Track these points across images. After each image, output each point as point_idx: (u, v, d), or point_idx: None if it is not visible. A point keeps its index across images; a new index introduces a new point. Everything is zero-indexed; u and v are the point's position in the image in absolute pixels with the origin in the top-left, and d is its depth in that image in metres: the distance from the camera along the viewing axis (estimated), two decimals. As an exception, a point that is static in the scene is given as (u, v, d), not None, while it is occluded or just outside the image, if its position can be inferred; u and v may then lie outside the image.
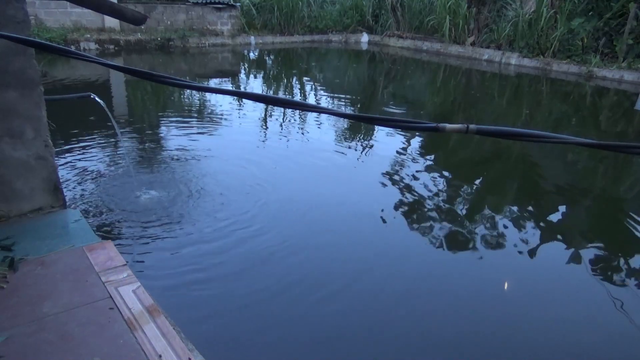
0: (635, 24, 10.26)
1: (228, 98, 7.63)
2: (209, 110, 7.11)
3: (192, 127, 5.96)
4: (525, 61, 11.72)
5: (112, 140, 5.15)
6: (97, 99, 3.33)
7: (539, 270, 3.23)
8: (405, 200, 4.12)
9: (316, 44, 15.41)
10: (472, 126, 1.34)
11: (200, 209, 3.63)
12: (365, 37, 16.20)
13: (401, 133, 6.06)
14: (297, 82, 10.30)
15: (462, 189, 4.49)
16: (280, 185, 4.25)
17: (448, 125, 1.36)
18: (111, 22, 12.15)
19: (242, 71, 11.05)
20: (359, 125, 6.32)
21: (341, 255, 3.25)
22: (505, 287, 2.99)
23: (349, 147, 5.50)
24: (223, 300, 2.69)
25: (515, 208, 4.10)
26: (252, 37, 14.38)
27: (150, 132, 5.79)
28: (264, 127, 6.28)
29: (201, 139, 5.43)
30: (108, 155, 4.70)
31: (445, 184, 4.55)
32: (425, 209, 3.98)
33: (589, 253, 3.42)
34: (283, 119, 6.63)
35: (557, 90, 9.72)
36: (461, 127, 1.35)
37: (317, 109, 1.61)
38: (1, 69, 2.23)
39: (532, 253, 3.39)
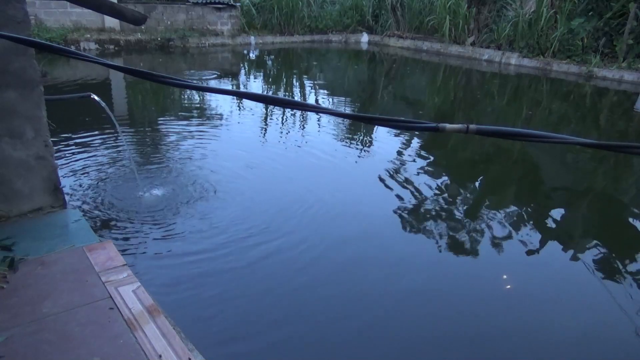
0: (635, 24, 10.26)
1: (228, 98, 7.63)
2: (209, 110, 7.10)
3: (192, 126, 5.96)
4: (525, 61, 11.72)
5: (112, 140, 5.15)
6: (97, 98, 3.33)
7: (539, 270, 3.23)
8: (405, 200, 4.12)
9: (316, 44, 15.41)
10: (472, 126, 1.34)
11: (201, 209, 3.63)
12: (365, 37, 16.20)
13: (401, 133, 6.06)
14: (297, 82, 10.30)
15: (463, 189, 4.49)
16: (281, 185, 4.26)
17: (448, 125, 1.37)
18: (111, 22, 12.15)
19: (242, 71, 11.05)
20: (359, 125, 6.32)
21: (342, 255, 3.25)
22: (507, 287, 2.99)
23: (349, 147, 5.50)
24: (223, 300, 2.69)
25: (515, 208, 4.10)
26: (252, 37, 14.39)
27: (150, 131, 5.79)
28: (264, 127, 6.28)
29: (201, 138, 5.43)
30: (108, 155, 4.70)
31: (445, 184, 4.55)
32: (426, 209, 3.98)
33: (589, 253, 3.42)
34: (283, 119, 6.63)
35: (557, 90, 9.72)
36: (461, 127, 1.35)
37: (317, 109, 1.61)
38: (1, 69, 2.23)
39: (532, 253, 3.40)
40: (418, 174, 4.72)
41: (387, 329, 2.57)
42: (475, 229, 3.67)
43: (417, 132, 5.98)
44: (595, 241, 3.62)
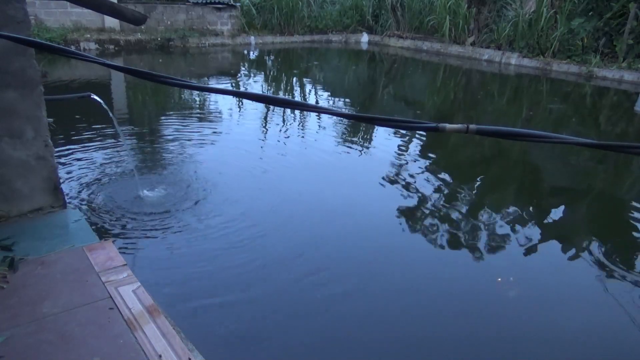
0: (635, 24, 10.26)
1: (228, 98, 7.63)
2: (209, 110, 7.11)
3: (192, 126, 5.96)
4: (525, 61, 11.72)
5: (112, 140, 5.15)
6: (96, 98, 3.33)
7: (539, 270, 3.23)
8: (406, 200, 4.12)
9: (316, 44, 15.41)
10: (472, 126, 1.34)
11: (201, 209, 3.62)
12: (365, 37, 16.20)
13: (401, 133, 6.06)
14: (297, 82, 10.30)
15: (463, 189, 4.49)
16: (281, 185, 4.25)
17: (448, 125, 1.37)
18: (111, 22, 12.15)
19: (242, 71, 11.05)
20: (359, 125, 6.32)
21: (343, 255, 3.25)
22: (507, 287, 2.99)
23: (349, 147, 5.50)
24: (223, 300, 2.69)
25: (515, 208, 4.10)
26: (252, 37, 14.38)
27: (150, 132, 5.79)
28: (264, 127, 6.28)
29: (201, 138, 5.43)
30: (108, 155, 4.70)
31: (445, 184, 4.55)
32: (426, 209, 3.98)
33: (589, 253, 3.41)
34: (283, 119, 6.63)
35: (557, 91, 9.72)
36: (461, 127, 1.35)
37: (317, 109, 1.61)
38: (1, 69, 2.23)
39: (532, 253, 3.39)
40: (418, 174, 4.72)
41: (388, 329, 2.57)
42: (476, 229, 3.67)
43: (417, 132, 5.97)
44: (595, 241, 3.62)
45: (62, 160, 4.47)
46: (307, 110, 5.98)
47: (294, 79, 10.61)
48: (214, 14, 13.71)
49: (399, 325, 2.61)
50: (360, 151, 5.42)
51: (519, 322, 2.68)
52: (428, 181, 4.55)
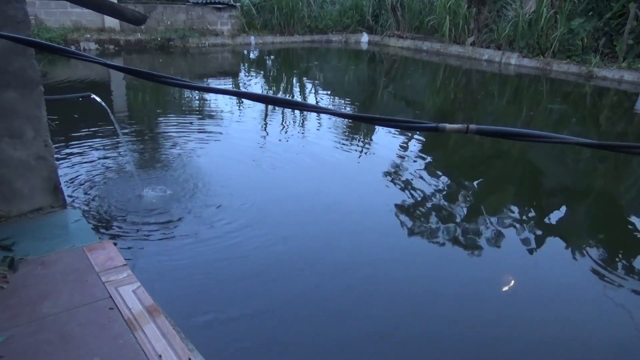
0: (635, 24, 10.26)
1: (228, 98, 7.63)
2: (209, 110, 7.10)
3: (192, 126, 5.96)
4: (525, 61, 11.72)
5: (112, 140, 5.15)
6: (97, 98, 3.33)
7: (539, 270, 3.23)
8: (406, 200, 4.12)
9: (316, 44, 15.41)
10: (472, 126, 1.34)
11: (201, 209, 3.62)
12: (365, 37, 16.20)
13: (401, 133, 6.06)
14: (297, 82, 10.30)
15: (463, 189, 4.49)
16: (281, 185, 4.25)
17: (448, 125, 1.37)
18: (111, 22, 12.15)
19: (242, 71, 11.05)
20: (359, 125, 6.32)
21: (343, 255, 3.25)
22: (507, 288, 2.99)
23: (349, 147, 5.50)
24: (223, 300, 2.69)
25: (515, 208, 4.10)
26: (252, 37, 14.38)
27: (150, 131, 5.79)
28: (264, 127, 6.27)
29: (201, 138, 5.43)
30: (108, 155, 4.70)
31: (445, 184, 4.55)
32: (426, 209, 3.98)
33: (589, 253, 3.41)
34: (283, 119, 6.63)
35: (557, 91, 9.72)
36: (461, 127, 1.35)
37: (317, 109, 1.61)
38: (1, 69, 2.23)
39: (532, 253, 3.39)
40: (418, 174, 4.72)
41: (387, 329, 2.57)
42: (476, 229, 3.67)
43: (417, 132, 5.97)
44: (595, 241, 3.62)
45: (62, 160, 4.46)
46: (307, 110, 5.98)
47: (294, 79, 10.61)
48: (214, 14, 13.71)
49: (400, 326, 2.60)
50: (360, 151, 5.41)
51: (518, 322, 2.67)
52: (429, 181, 4.54)
